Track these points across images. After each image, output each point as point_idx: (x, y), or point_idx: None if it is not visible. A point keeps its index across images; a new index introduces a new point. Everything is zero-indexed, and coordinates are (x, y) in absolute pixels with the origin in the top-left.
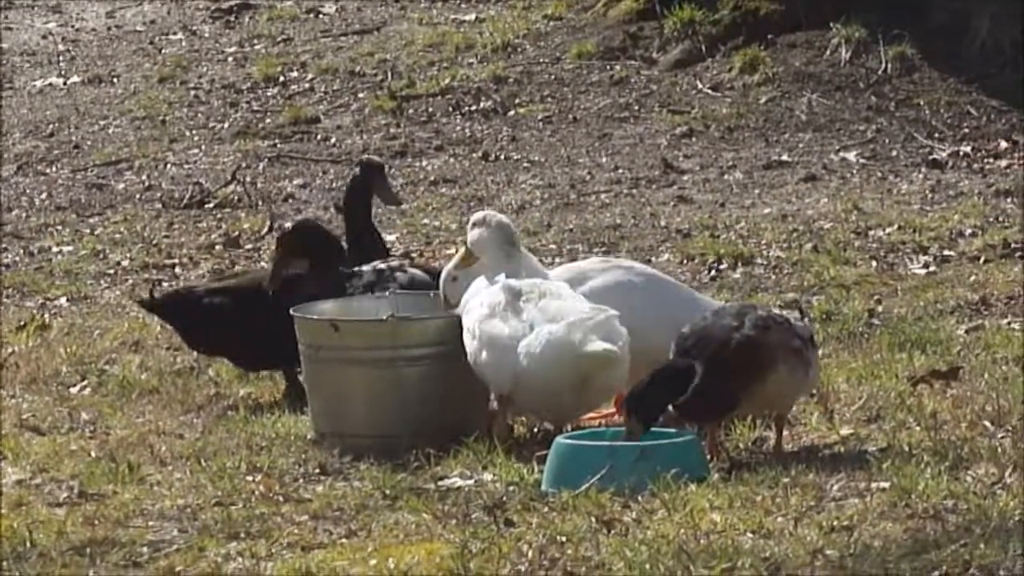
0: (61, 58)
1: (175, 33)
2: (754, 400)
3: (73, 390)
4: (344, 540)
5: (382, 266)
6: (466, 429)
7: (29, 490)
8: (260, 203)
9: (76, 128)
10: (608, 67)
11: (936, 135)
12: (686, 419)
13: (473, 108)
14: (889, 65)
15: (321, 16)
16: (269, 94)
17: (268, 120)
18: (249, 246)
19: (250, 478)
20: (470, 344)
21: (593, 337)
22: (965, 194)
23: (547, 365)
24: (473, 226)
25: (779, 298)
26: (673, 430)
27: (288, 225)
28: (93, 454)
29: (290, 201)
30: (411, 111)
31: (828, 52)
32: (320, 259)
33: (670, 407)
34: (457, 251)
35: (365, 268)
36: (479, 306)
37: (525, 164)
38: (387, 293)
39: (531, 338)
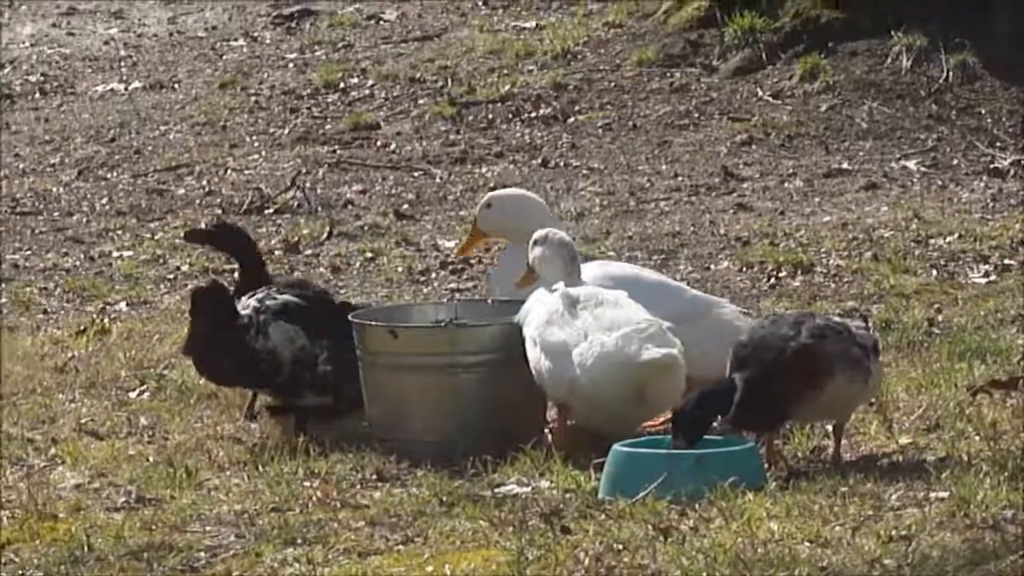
0: (123, 64)
1: (236, 39)
2: (810, 409)
3: (132, 395)
4: (401, 546)
5: (261, 294)
6: (523, 436)
7: (87, 494)
8: (320, 209)
9: (137, 133)
10: (668, 74)
11: (997, 143)
12: (742, 429)
13: (533, 115)
14: (950, 73)
15: (382, 22)
16: (329, 100)
17: (328, 126)
18: (308, 252)
19: (307, 484)
20: (531, 352)
21: (648, 346)
22: None
23: (600, 376)
24: (534, 244)
25: (839, 307)
26: (731, 438)
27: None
28: (151, 459)
29: (349, 207)
30: (471, 117)
31: (889, 60)
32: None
33: (722, 419)
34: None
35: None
36: (539, 315)
37: (584, 171)
38: (445, 300)
39: (584, 348)
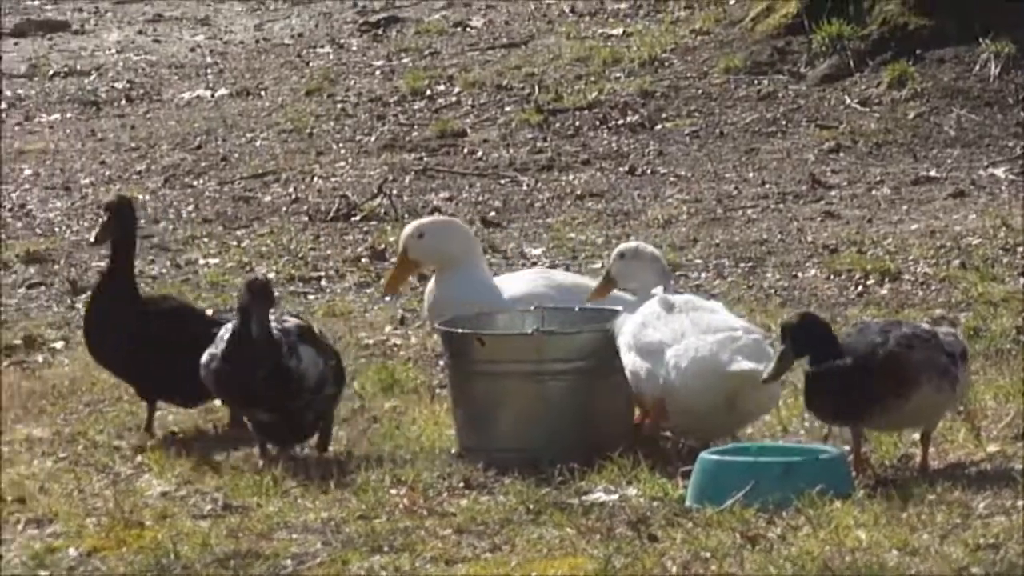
0: (209, 71)
1: (323, 46)
2: (896, 417)
3: (218, 403)
4: (488, 554)
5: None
6: (610, 444)
7: (174, 502)
8: (406, 216)
9: (223, 140)
10: (756, 81)
11: None
12: (818, 415)
13: (620, 122)
14: None
15: (468, 29)
16: (416, 107)
17: (415, 133)
18: (395, 259)
19: (394, 491)
20: (625, 356)
21: (739, 357)
22: None
23: (692, 380)
24: (621, 257)
25: (926, 315)
26: (819, 446)
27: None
28: (237, 467)
29: (436, 214)
30: (558, 125)
31: (977, 67)
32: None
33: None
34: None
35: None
36: (634, 320)
37: (672, 178)
38: (532, 307)
39: (679, 349)
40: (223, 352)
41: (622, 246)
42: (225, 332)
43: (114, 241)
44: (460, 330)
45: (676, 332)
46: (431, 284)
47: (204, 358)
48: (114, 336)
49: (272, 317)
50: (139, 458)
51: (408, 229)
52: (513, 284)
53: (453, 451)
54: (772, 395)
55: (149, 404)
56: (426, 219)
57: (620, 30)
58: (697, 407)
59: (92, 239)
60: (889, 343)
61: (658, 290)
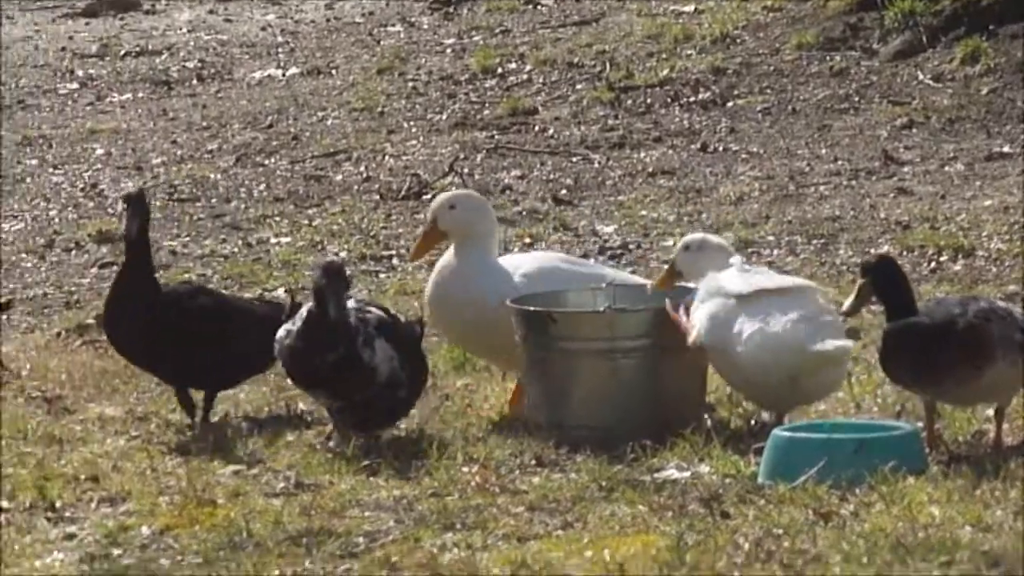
0: (280, 50)
1: (393, 25)
2: (971, 391)
3: (290, 381)
4: (560, 531)
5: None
6: (682, 421)
7: (246, 480)
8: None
9: (295, 119)
10: (828, 58)
11: None
12: (894, 377)
13: (692, 99)
14: None
15: (539, 7)
16: (487, 85)
17: (486, 111)
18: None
19: (466, 469)
20: (702, 325)
21: (819, 336)
22: None
23: (760, 359)
24: (687, 249)
25: (1000, 291)
26: (892, 423)
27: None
28: (309, 445)
29: (507, 192)
30: (629, 102)
31: None
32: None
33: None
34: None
35: None
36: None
37: (743, 156)
38: (603, 284)
39: (751, 328)
40: (299, 330)
41: (687, 238)
42: (304, 310)
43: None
44: (532, 308)
45: (748, 310)
46: (444, 259)
47: (280, 332)
48: (135, 326)
49: (355, 304)
50: (211, 437)
51: (441, 199)
52: (521, 266)
53: (525, 428)
54: (835, 379)
55: (179, 391)
56: (460, 191)
57: (691, 7)
58: (763, 382)
59: (129, 233)
60: (968, 315)
61: (735, 259)
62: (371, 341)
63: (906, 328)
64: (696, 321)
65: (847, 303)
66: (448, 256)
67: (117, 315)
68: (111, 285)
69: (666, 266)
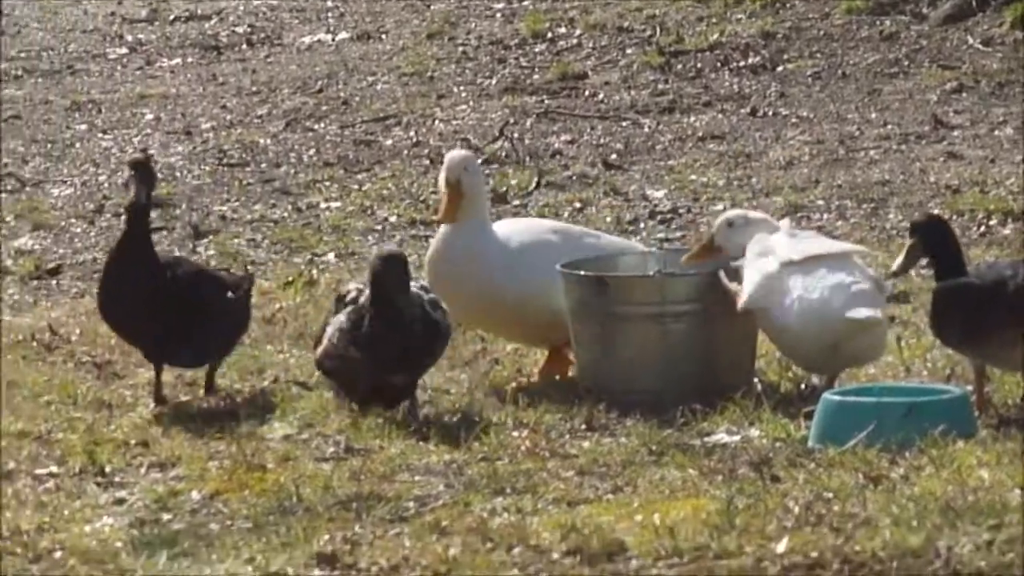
0: (330, 14)
1: None
2: (1017, 354)
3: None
4: (610, 496)
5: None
6: (733, 385)
7: (296, 445)
8: (528, 159)
9: (344, 84)
10: (878, 22)
11: None
12: (943, 336)
13: (741, 64)
14: None
15: None
16: (537, 50)
17: (536, 76)
18: (516, 202)
19: (516, 433)
20: (750, 288)
21: (854, 303)
22: None
23: (803, 326)
24: (730, 225)
25: None
26: (942, 387)
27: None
28: (359, 409)
29: (557, 157)
30: (679, 67)
31: None
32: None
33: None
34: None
35: None
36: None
37: (793, 120)
38: (653, 248)
39: (794, 295)
40: (370, 321)
41: (729, 214)
42: (344, 317)
43: (129, 204)
44: (584, 273)
45: (794, 277)
46: (444, 230)
47: (334, 340)
48: (130, 299)
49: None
50: (261, 402)
51: (456, 159)
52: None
53: (576, 393)
54: (880, 344)
55: (157, 368)
56: (462, 152)
57: None
58: (806, 348)
59: (139, 199)
60: (1019, 277)
61: (784, 223)
62: (433, 304)
63: (956, 288)
64: (745, 285)
65: (896, 263)
66: (444, 230)
67: (115, 286)
68: (109, 255)
69: (702, 240)
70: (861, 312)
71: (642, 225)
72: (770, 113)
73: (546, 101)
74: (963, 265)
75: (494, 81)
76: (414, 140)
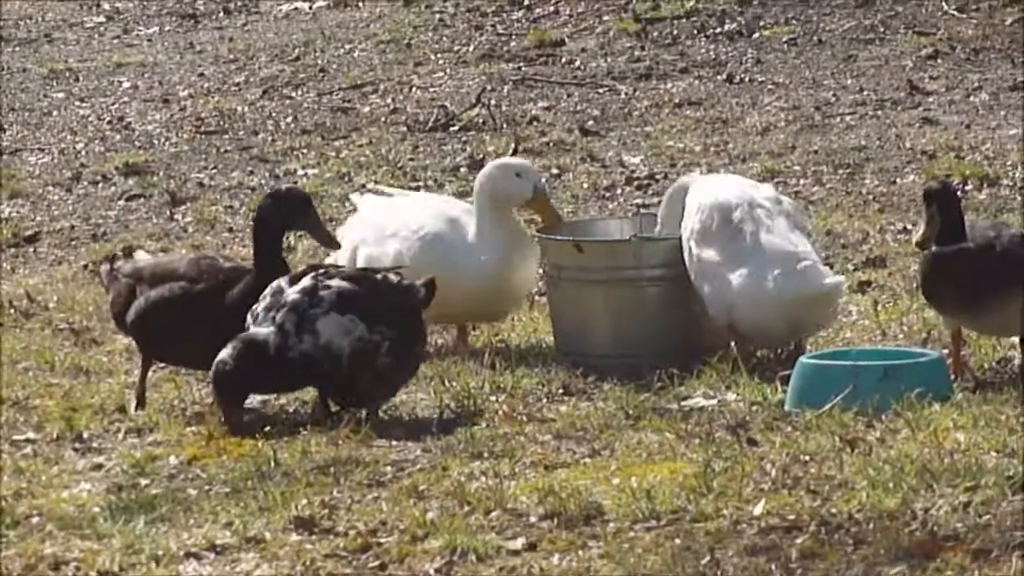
0: None
1: None
2: (1006, 313)
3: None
4: (587, 459)
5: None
6: (709, 349)
7: (273, 410)
8: (504, 126)
9: (322, 52)
10: None
11: None
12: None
13: (718, 30)
14: None
15: None
16: (514, 17)
17: (513, 43)
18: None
19: (494, 398)
20: (690, 265)
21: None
22: None
23: (756, 310)
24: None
25: None
26: (918, 350)
27: None
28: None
29: (534, 124)
30: (655, 33)
31: None
32: None
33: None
34: None
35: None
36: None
37: (770, 86)
38: (630, 215)
39: (743, 280)
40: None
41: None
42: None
43: None
44: (559, 237)
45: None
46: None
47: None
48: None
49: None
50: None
51: (533, 168)
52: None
53: (552, 358)
54: (832, 314)
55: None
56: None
57: None
58: (762, 329)
59: None
60: (1003, 238)
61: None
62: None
63: (956, 254)
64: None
65: (919, 234)
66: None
67: None
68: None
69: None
70: (831, 280)
71: (619, 191)
72: (746, 79)
73: (523, 68)
74: (964, 231)
75: (471, 48)
76: (391, 107)
